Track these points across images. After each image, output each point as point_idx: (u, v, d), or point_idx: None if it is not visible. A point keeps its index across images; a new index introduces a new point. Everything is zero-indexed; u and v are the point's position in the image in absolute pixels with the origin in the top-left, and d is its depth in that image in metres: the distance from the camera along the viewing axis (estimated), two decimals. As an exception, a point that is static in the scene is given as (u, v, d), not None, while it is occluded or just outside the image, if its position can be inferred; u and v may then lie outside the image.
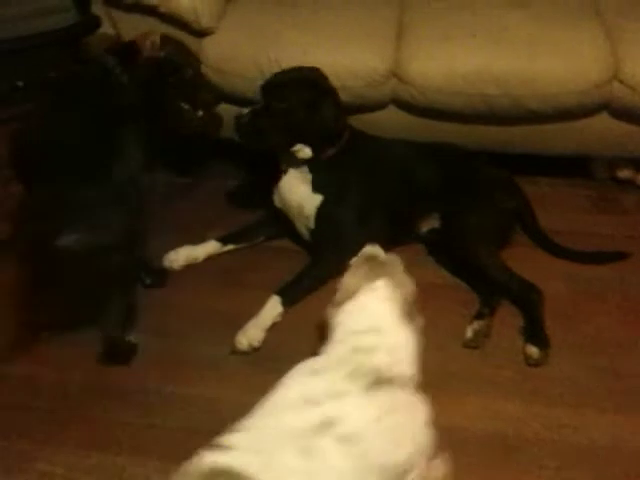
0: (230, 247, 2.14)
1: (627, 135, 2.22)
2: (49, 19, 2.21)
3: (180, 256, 2.07)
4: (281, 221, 2.13)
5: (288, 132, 1.94)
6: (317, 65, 2.01)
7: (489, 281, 1.94)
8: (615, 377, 1.72)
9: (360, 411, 1.16)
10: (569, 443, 1.58)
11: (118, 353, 1.79)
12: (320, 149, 1.99)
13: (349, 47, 2.17)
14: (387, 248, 1.53)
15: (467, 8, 2.28)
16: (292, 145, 1.97)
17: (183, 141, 2.41)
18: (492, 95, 2.12)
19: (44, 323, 1.87)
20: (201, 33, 2.20)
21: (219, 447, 1.09)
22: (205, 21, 2.18)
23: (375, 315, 1.33)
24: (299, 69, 2.01)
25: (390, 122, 2.26)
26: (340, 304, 1.38)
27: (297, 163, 2.02)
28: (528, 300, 1.88)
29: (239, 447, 1.10)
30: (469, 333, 1.82)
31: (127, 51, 1.94)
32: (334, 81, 2.03)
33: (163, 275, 2.04)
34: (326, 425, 1.12)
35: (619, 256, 2.05)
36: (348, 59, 2.15)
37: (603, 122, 2.21)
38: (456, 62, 2.12)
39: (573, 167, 2.40)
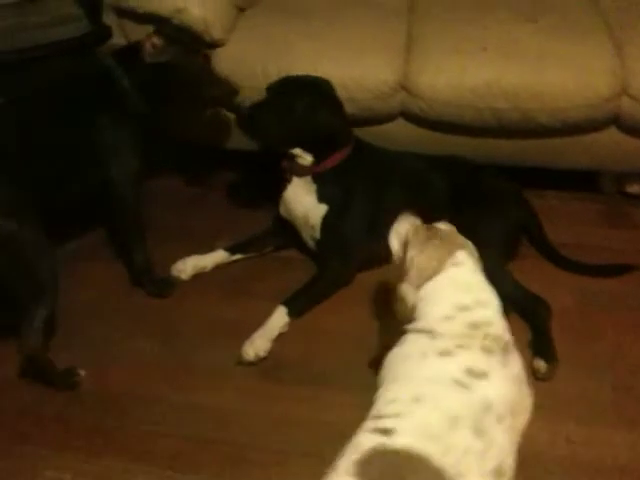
0: (238, 257, 2.14)
1: (636, 150, 2.22)
2: (61, 28, 2.24)
3: (188, 266, 2.08)
4: (288, 231, 2.14)
5: (285, 130, 1.95)
6: (326, 76, 2.03)
7: (496, 293, 1.92)
8: (626, 393, 1.70)
9: (505, 386, 1.23)
10: (578, 460, 1.55)
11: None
12: (320, 157, 1.99)
13: (359, 59, 2.18)
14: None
15: (477, 22, 2.28)
16: (290, 146, 1.98)
17: (191, 150, 2.44)
18: (501, 109, 2.12)
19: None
20: (212, 45, 2.21)
21: (384, 431, 1.12)
22: (216, 33, 2.19)
23: (474, 288, 1.37)
24: (307, 75, 2.03)
25: (399, 134, 2.26)
26: (420, 284, 1.38)
27: (301, 172, 2.03)
28: (536, 313, 1.86)
29: (406, 431, 1.12)
30: (476, 346, 1.81)
31: (128, 53, 1.95)
32: (343, 92, 2.05)
33: (169, 285, 2.05)
34: (487, 407, 1.18)
35: (628, 269, 2.03)
36: (357, 71, 2.15)
37: (612, 137, 2.21)
38: (466, 75, 2.13)
39: (581, 181, 2.40)
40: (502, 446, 1.17)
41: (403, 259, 1.45)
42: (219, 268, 2.12)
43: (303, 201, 2.04)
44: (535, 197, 2.21)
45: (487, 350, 1.26)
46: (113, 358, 1.84)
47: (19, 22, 2.17)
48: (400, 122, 2.27)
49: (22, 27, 2.15)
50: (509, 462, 1.19)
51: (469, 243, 1.47)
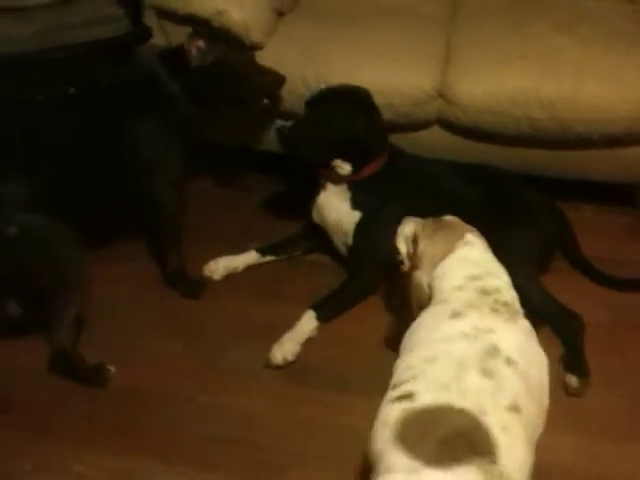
0: (269, 258, 2.15)
1: (676, 165, 2.18)
2: (101, 28, 2.27)
3: (220, 266, 2.09)
4: (318, 235, 2.14)
5: (326, 145, 1.95)
6: (364, 82, 2.02)
7: (528, 306, 1.90)
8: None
9: (513, 336, 1.27)
10: (605, 475, 1.53)
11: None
12: (359, 166, 1.99)
13: (397, 65, 2.17)
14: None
15: (516, 32, 2.26)
16: (331, 159, 1.98)
17: (227, 153, 2.45)
18: (538, 118, 2.10)
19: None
20: (251, 48, 2.22)
21: (405, 397, 1.14)
22: (255, 36, 2.20)
23: (484, 263, 1.44)
24: (344, 86, 2.03)
25: (434, 142, 2.25)
26: (430, 270, 1.44)
27: (337, 180, 2.03)
28: (568, 328, 1.83)
29: (425, 389, 1.15)
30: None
31: (173, 57, 1.95)
32: (380, 98, 2.04)
33: (201, 286, 2.06)
34: (494, 350, 1.21)
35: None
36: (395, 77, 2.15)
37: (652, 150, 2.18)
38: (503, 83, 2.11)
39: (616, 194, 2.36)
40: (513, 385, 1.18)
41: (414, 253, 1.51)
42: (249, 269, 2.12)
43: (337, 207, 2.03)
44: (569, 209, 2.18)
45: (496, 311, 1.31)
46: (142, 356, 1.85)
47: (55, 22, 2.19)
48: (436, 129, 2.26)
49: (59, 27, 2.17)
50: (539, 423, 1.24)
51: (475, 230, 1.52)
